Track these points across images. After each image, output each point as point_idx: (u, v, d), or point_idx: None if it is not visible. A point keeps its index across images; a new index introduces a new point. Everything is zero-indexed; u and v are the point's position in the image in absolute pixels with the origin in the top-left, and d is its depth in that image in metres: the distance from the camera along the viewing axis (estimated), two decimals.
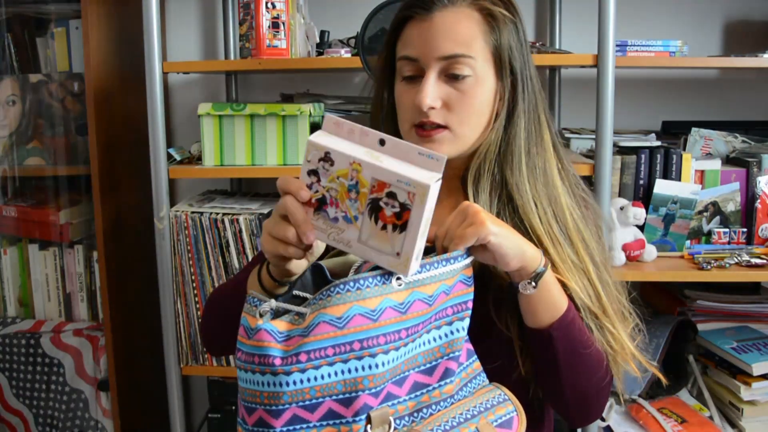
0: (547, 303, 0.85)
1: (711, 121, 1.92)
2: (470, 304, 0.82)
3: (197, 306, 1.68)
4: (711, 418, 1.61)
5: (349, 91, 2.00)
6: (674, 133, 1.89)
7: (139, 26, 1.55)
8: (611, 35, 1.48)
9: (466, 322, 0.82)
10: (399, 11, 0.93)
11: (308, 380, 0.71)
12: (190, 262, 1.66)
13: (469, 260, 0.81)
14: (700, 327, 1.73)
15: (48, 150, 1.86)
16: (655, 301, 1.86)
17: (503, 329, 0.90)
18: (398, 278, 0.75)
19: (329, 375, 0.72)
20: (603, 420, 1.61)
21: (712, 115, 1.98)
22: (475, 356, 0.85)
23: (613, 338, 0.90)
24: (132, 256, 1.89)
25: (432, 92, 0.89)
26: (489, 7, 0.90)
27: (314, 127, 1.69)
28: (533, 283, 0.83)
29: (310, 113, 1.63)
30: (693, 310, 1.76)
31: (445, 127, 0.91)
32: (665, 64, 1.61)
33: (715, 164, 1.67)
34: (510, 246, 0.81)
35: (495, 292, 0.90)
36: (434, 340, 0.79)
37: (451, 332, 0.80)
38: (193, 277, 1.66)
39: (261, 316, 0.74)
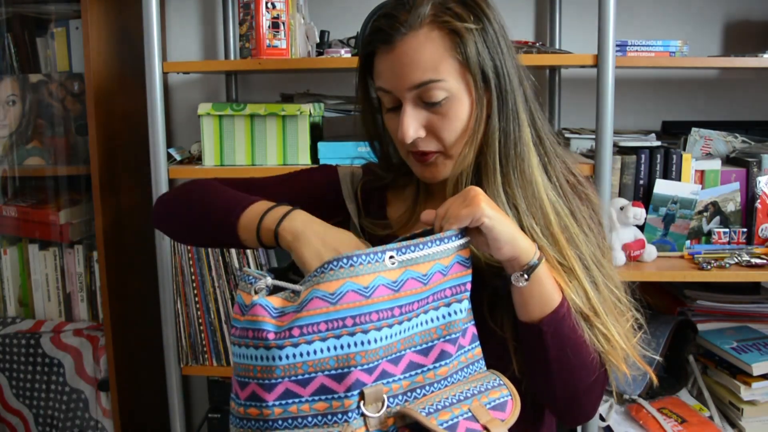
0: (540, 297, 0.85)
1: (711, 121, 1.92)
2: (468, 286, 0.83)
3: (197, 306, 1.68)
4: (711, 418, 1.61)
5: (349, 91, 2.00)
6: (674, 133, 1.89)
7: (139, 26, 1.55)
8: (611, 35, 1.48)
9: (465, 304, 0.82)
10: (363, 46, 0.93)
11: (301, 355, 0.72)
12: (190, 262, 1.66)
13: (463, 240, 0.82)
14: (700, 327, 1.73)
15: (48, 150, 1.86)
16: (655, 301, 1.86)
17: (497, 329, 0.90)
18: (391, 256, 0.77)
19: (322, 350, 0.73)
20: (603, 420, 1.61)
21: (712, 115, 1.98)
22: (478, 342, 0.85)
23: (605, 339, 0.89)
24: (132, 256, 1.89)
25: (412, 124, 0.89)
26: (449, 21, 0.87)
27: (314, 127, 1.69)
28: (526, 276, 0.83)
29: (310, 113, 1.63)
30: (693, 310, 1.76)
31: (437, 151, 0.92)
32: (665, 64, 1.61)
33: (715, 164, 1.67)
34: (503, 231, 0.81)
35: (490, 291, 0.90)
36: (431, 320, 0.80)
37: (449, 314, 0.81)
38: (193, 277, 1.67)
39: (256, 293, 0.75)
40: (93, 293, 1.88)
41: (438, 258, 0.80)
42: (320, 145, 1.62)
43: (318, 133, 1.72)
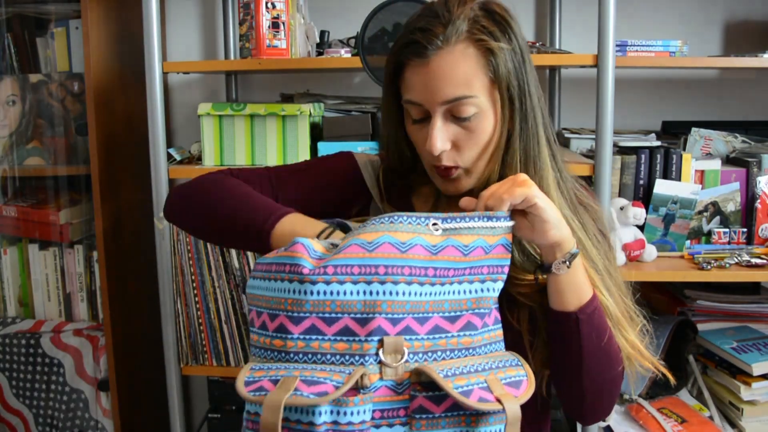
0: (577, 286, 0.87)
1: (711, 121, 1.92)
2: (506, 269, 0.84)
3: (197, 306, 1.68)
4: (711, 418, 1.61)
5: (349, 91, 2.00)
6: (674, 133, 1.89)
7: (139, 26, 1.55)
8: (611, 35, 1.48)
9: (499, 284, 0.84)
10: (394, 55, 0.92)
11: (331, 293, 0.76)
12: (190, 262, 1.66)
13: (510, 223, 0.83)
14: (700, 327, 1.73)
15: (48, 150, 1.86)
16: (655, 301, 1.86)
17: (514, 323, 0.92)
18: (435, 223, 0.80)
19: (351, 293, 0.76)
20: (603, 420, 1.61)
21: (712, 115, 1.98)
22: (500, 324, 0.86)
23: (628, 343, 0.92)
24: (132, 256, 1.89)
25: (440, 137, 0.89)
26: (484, 39, 0.88)
27: (314, 127, 1.69)
28: (567, 263, 0.85)
29: (310, 113, 1.63)
30: (693, 310, 1.76)
31: (459, 165, 0.93)
32: (665, 64, 1.61)
33: (715, 164, 1.67)
34: (552, 215, 0.83)
35: (510, 285, 0.91)
36: (464, 292, 0.81)
37: (482, 290, 0.82)
38: (193, 277, 1.66)
39: None
40: (93, 293, 1.88)
41: (482, 234, 0.81)
42: (320, 145, 1.62)
43: (318, 133, 1.72)
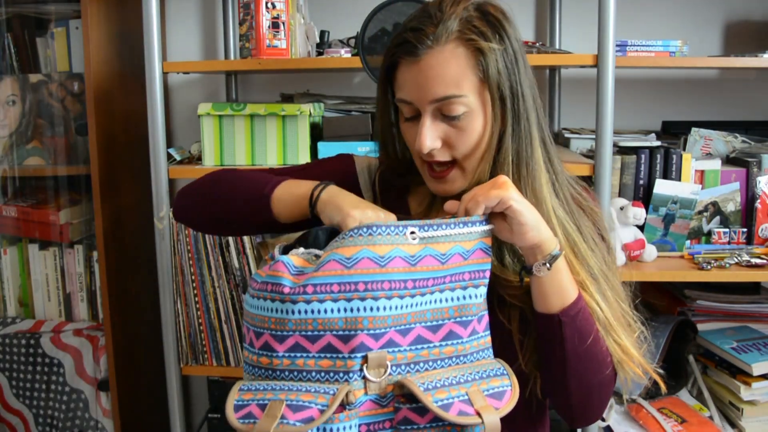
0: (559, 288, 0.87)
1: (711, 121, 1.92)
2: (488, 274, 0.84)
3: (197, 306, 1.68)
4: (711, 418, 1.61)
5: (349, 91, 2.00)
6: (674, 133, 1.89)
7: (139, 26, 1.55)
8: (611, 35, 1.48)
9: (482, 290, 0.84)
10: (387, 55, 0.93)
11: (312, 312, 0.77)
12: (190, 262, 1.66)
13: (488, 227, 0.84)
14: (700, 327, 1.73)
15: (48, 150, 1.86)
16: (655, 301, 1.86)
17: (504, 322, 0.92)
18: (412, 232, 0.80)
19: (332, 310, 0.77)
20: (603, 420, 1.61)
21: (712, 115, 1.98)
22: (489, 330, 0.87)
23: (620, 348, 0.92)
24: (132, 256, 1.89)
25: (430, 135, 0.90)
26: (474, 39, 0.88)
27: (314, 127, 1.69)
28: (548, 265, 0.85)
29: (310, 113, 1.63)
30: (693, 310, 1.76)
31: (452, 164, 0.93)
32: (665, 64, 1.61)
33: (715, 164, 1.67)
34: (529, 217, 0.83)
35: (500, 286, 0.91)
36: (445, 300, 0.82)
37: (464, 297, 0.83)
38: (193, 277, 1.67)
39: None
40: (93, 293, 1.88)
41: (459, 240, 0.82)
42: (320, 145, 1.62)
43: (318, 133, 1.72)
